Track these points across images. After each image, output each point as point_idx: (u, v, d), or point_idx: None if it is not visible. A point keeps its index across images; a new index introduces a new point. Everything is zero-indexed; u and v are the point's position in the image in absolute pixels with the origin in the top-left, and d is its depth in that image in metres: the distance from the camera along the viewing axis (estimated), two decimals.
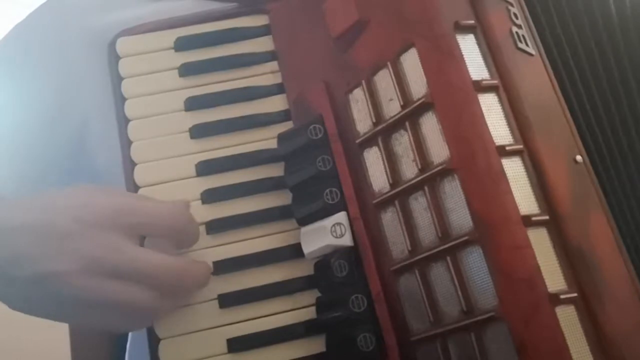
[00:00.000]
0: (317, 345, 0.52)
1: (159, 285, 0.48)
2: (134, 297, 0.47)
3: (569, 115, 0.51)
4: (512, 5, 0.52)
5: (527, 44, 0.51)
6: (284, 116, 0.58)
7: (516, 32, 0.51)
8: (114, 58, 0.60)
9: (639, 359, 0.44)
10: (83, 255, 0.46)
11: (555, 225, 0.46)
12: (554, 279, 0.44)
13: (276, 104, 0.59)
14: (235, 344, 0.53)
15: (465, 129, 0.47)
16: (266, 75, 0.60)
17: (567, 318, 0.43)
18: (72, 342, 1.00)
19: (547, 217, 0.46)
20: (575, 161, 0.49)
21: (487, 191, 0.45)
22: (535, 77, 0.51)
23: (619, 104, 0.58)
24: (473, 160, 0.46)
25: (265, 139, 0.58)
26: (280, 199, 0.56)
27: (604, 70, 0.57)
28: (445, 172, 0.47)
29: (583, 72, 0.56)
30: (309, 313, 0.53)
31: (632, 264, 0.48)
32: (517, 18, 0.52)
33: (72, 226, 0.46)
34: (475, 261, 0.45)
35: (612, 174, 0.55)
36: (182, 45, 0.60)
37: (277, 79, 0.60)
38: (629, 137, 0.57)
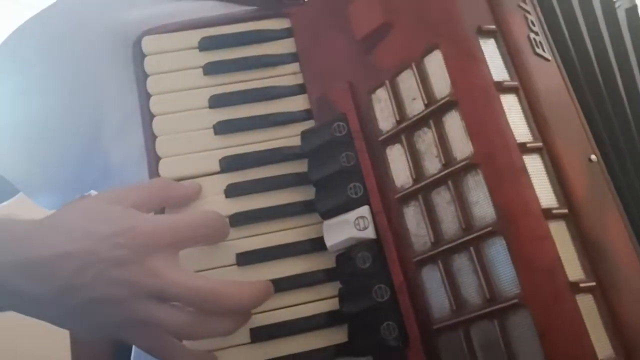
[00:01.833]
0: (339, 335, 0.54)
1: (199, 307, 0.50)
2: (174, 319, 0.49)
3: (582, 117, 0.53)
4: (529, 13, 0.55)
5: (543, 50, 0.54)
6: (305, 115, 0.60)
7: (533, 39, 0.54)
8: (139, 56, 0.62)
9: None
10: (129, 283, 0.48)
11: (574, 219, 0.48)
12: (573, 268, 0.46)
13: (297, 103, 0.61)
14: (258, 334, 0.54)
15: (488, 126, 0.49)
16: (288, 76, 0.62)
17: (586, 306, 0.45)
18: (72, 348, 1.00)
19: (565, 211, 0.48)
20: (590, 160, 0.51)
21: (509, 185, 0.47)
22: (552, 81, 0.54)
23: None
24: (496, 156, 0.48)
25: (286, 137, 0.60)
26: (301, 194, 0.58)
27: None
28: (469, 167, 0.49)
29: (609, 78, 0.58)
30: (330, 304, 0.55)
31: None
32: (534, 25, 0.55)
33: (115, 254, 0.48)
34: (498, 251, 0.47)
35: (631, 175, 0.57)
36: (206, 45, 0.62)
37: (298, 79, 0.62)
38: None
